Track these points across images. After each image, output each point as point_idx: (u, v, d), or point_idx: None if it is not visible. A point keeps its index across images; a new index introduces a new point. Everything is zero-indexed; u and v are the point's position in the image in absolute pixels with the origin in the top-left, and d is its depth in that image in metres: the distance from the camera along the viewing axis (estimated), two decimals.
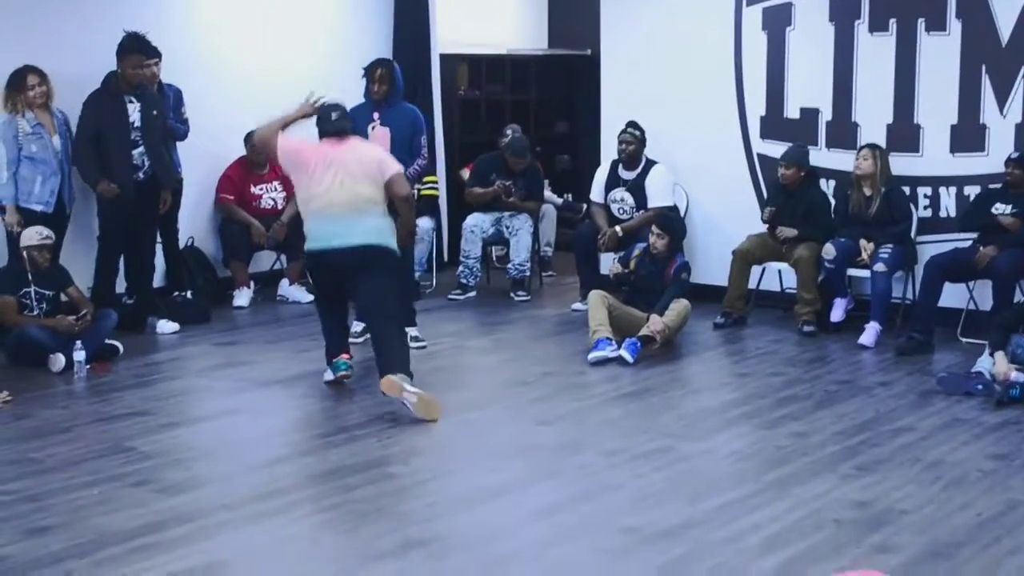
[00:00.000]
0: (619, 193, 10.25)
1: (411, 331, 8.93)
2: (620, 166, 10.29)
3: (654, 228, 9.10)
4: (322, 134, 7.88)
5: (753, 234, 9.75)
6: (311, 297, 10.69)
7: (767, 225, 9.59)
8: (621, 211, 10.24)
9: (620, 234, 10.00)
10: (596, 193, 10.42)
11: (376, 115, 8.80)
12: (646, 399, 7.66)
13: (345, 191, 7.58)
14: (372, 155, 7.83)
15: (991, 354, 7.57)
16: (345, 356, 7.94)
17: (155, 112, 9.38)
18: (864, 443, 6.60)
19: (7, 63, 9.02)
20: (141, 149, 9.29)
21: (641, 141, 10.18)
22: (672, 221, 9.34)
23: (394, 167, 7.79)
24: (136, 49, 9.17)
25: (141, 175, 9.32)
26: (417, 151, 8.88)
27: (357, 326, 8.95)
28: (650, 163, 10.20)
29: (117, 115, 9.17)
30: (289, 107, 7.97)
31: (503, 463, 6.39)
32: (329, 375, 7.91)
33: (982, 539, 5.23)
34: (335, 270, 7.66)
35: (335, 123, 7.83)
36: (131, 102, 9.25)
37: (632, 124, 10.21)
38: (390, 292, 7.65)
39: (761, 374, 8.21)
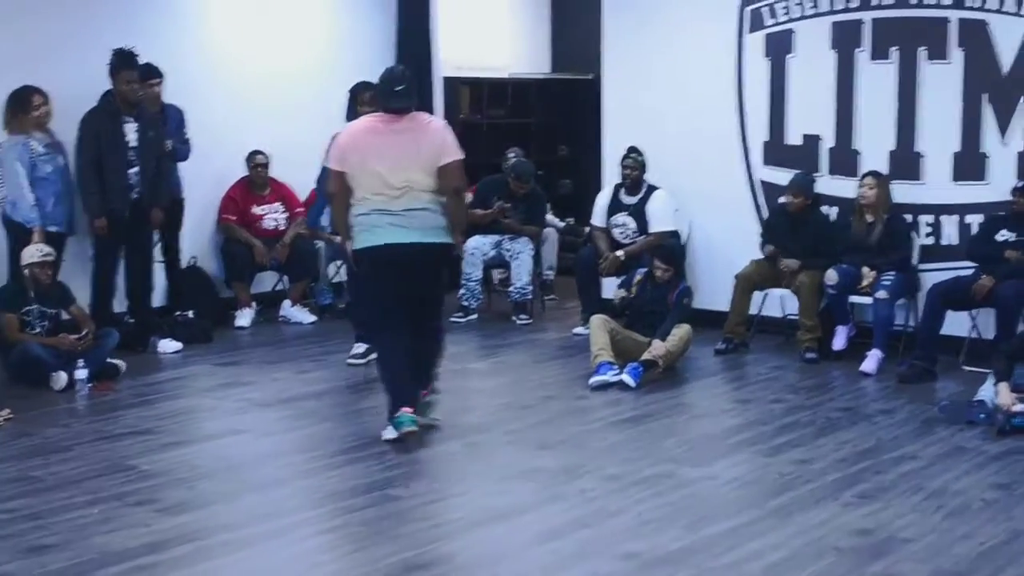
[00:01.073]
0: (621, 218, 10.26)
1: (357, 348, 8.95)
2: (622, 191, 10.31)
3: (657, 261, 9.09)
4: (384, 110, 7.18)
5: (755, 259, 9.76)
6: (313, 318, 10.80)
7: (771, 249, 9.58)
8: (623, 235, 10.25)
9: (622, 259, 10.00)
10: (598, 217, 10.43)
11: None
12: (647, 424, 7.65)
13: (401, 177, 6.98)
14: (434, 137, 7.12)
15: (995, 384, 7.56)
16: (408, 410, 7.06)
17: (151, 133, 9.39)
18: (866, 471, 6.59)
19: (8, 83, 9.03)
20: (136, 169, 9.30)
21: (643, 166, 10.21)
22: (674, 252, 9.33)
23: (453, 153, 7.13)
24: (125, 65, 9.18)
25: (135, 195, 9.32)
26: None
27: (359, 347, 8.95)
28: (652, 188, 10.22)
29: (114, 135, 9.19)
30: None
31: (504, 487, 6.38)
32: (388, 432, 7.13)
33: (984, 568, 5.22)
34: (398, 268, 7.05)
35: (398, 97, 7.10)
36: (128, 122, 9.26)
37: (634, 150, 10.23)
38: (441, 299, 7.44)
39: (763, 400, 8.21)
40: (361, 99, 8.86)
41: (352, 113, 8.81)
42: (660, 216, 10.13)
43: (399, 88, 7.09)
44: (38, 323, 8.59)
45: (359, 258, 7.13)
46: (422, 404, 7.21)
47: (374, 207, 6.99)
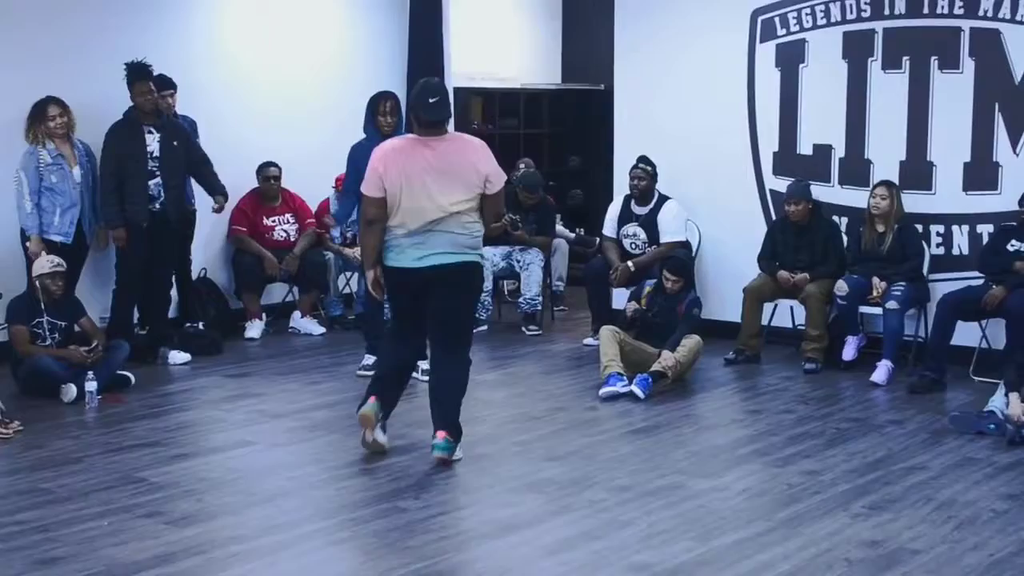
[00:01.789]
0: (631, 228, 10.25)
1: (422, 364, 8.92)
2: (632, 201, 10.30)
3: (666, 273, 9.07)
4: (417, 123, 6.85)
5: (763, 272, 9.75)
6: (323, 329, 10.80)
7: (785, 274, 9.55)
8: (633, 246, 10.24)
9: (632, 269, 9.99)
10: (608, 228, 10.43)
11: None
12: (657, 435, 7.64)
13: (443, 200, 6.72)
14: (479, 160, 6.86)
15: (1006, 394, 7.54)
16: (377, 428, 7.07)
17: (175, 143, 9.43)
18: (876, 482, 6.58)
19: (31, 95, 9.11)
20: (158, 180, 9.33)
21: (653, 176, 10.20)
22: (684, 264, 9.30)
23: (500, 179, 6.96)
24: (139, 77, 9.24)
25: (157, 205, 9.35)
26: None
27: (369, 359, 8.95)
28: (663, 198, 10.21)
29: (136, 144, 9.24)
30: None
31: (513, 498, 6.38)
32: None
33: None
34: (417, 289, 6.91)
35: (432, 109, 6.78)
36: (150, 132, 9.30)
37: (643, 159, 10.22)
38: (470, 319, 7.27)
39: (773, 411, 8.19)
40: (381, 108, 8.76)
41: (370, 123, 8.78)
42: (671, 227, 10.12)
43: (433, 100, 6.76)
44: (49, 335, 8.61)
45: (389, 273, 6.90)
46: (438, 445, 6.93)
47: (410, 229, 6.74)
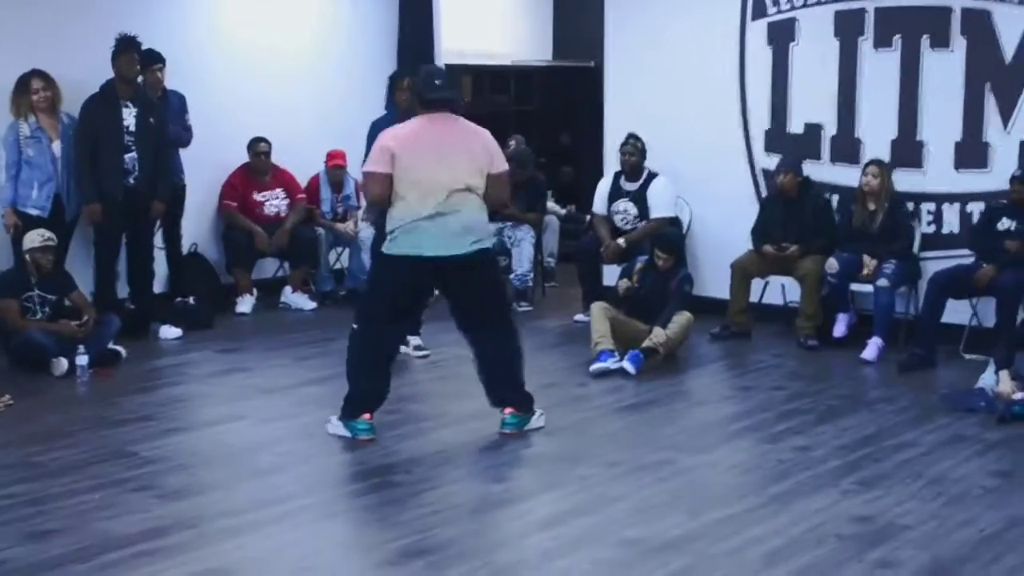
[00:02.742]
0: (622, 204, 10.24)
1: (413, 340, 8.95)
2: (622, 177, 10.29)
3: (657, 251, 9.08)
4: (424, 105, 6.86)
5: (751, 248, 9.76)
6: (314, 305, 10.82)
7: (772, 247, 9.55)
8: (624, 222, 10.23)
9: (623, 246, 9.99)
10: (598, 205, 10.42)
11: None
12: (648, 411, 7.66)
13: (453, 179, 6.71)
14: (485, 142, 6.91)
15: (996, 372, 7.57)
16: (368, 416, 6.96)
17: (151, 119, 9.38)
18: (866, 458, 6.59)
19: (17, 68, 9.08)
20: (134, 154, 9.29)
21: (642, 152, 10.19)
22: (674, 241, 9.31)
23: (503, 163, 6.99)
24: (127, 48, 9.22)
25: (131, 180, 9.31)
26: None
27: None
28: (652, 174, 10.20)
29: (111, 119, 9.21)
30: None
31: (505, 473, 6.40)
32: (339, 430, 7.00)
33: (984, 556, 5.23)
34: (430, 279, 6.95)
35: (439, 90, 6.85)
36: (127, 107, 9.26)
37: (633, 135, 10.22)
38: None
39: (763, 388, 8.21)
40: (399, 85, 8.77)
41: (391, 100, 8.84)
42: (660, 202, 10.11)
43: (439, 83, 6.85)
44: (39, 309, 8.60)
45: (397, 261, 6.76)
46: (509, 421, 7.05)
47: (422, 212, 6.65)
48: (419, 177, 6.66)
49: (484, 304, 7.01)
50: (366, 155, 7.54)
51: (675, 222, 10.19)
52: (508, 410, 7.06)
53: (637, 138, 10.20)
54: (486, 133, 6.97)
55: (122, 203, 9.28)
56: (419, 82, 6.93)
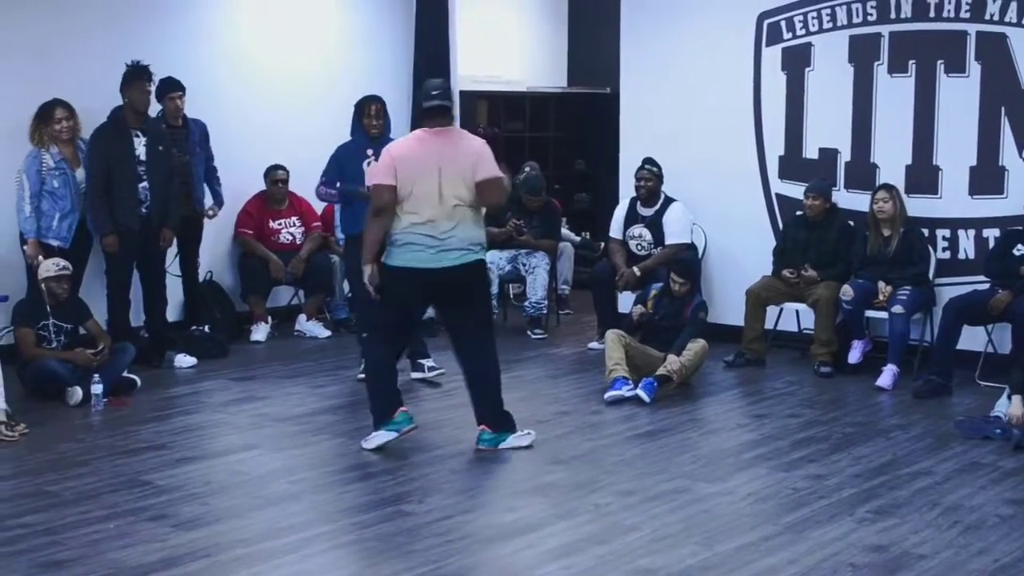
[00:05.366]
0: (638, 229, 10.24)
1: (427, 362, 8.97)
2: (638, 203, 10.29)
3: (673, 275, 9.07)
4: (423, 116, 7.24)
5: (766, 275, 9.75)
6: (328, 332, 10.81)
7: (789, 272, 9.54)
8: (639, 247, 10.22)
9: (637, 274, 9.98)
10: (615, 230, 10.42)
11: (370, 151, 8.70)
12: (662, 439, 7.63)
13: (449, 190, 6.97)
14: (471, 149, 7.11)
15: (1009, 396, 7.54)
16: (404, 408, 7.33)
17: (160, 147, 9.40)
18: (881, 486, 6.57)
19: (36, 97, 9.12)
20: (145, 183, 9.29)
21: (659, 177, 10.19)
22: (690, 266, 9.31)
23: (491, 168, 7.11)
24: (138, 76, 9.23)
25: (144, 210, 9.31)
26: None
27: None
28: (668, 200, 10.21)
29: (123, 149, 9.20)
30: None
31: (518, 502, 6.38)
32: (380, 437, 7.27)
33: None
34: (424, 291, 7.16)
35: (434, 98, 7.12)
36: (137, 136, 9.28)
37: (649, 160, 10.22)
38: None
39: (778, 415, 8.19)
40: (367, 111, 8.88)
41: (357, 126, 8.91)
42: (676, 229, 10.11)
43: (435, 92, 7.13)
44: (54, 338, 8.62)
45: (395, 273, 7.05)
46: (484, 438, 7.28)
47: (419, 227, 6.96)
48: (414, 189, 6.95)
49: (471, 315, 7.26)
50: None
51: (691, 248, 10.18)
52: (481, 427, 7.27)
53: (653, 163, 10.19)
54: (478, 142, 7.20)
55: (137, 233, 9.29)
56: (421, 96, 7.25)
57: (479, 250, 7.14)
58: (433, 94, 7.12)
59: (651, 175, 10.18)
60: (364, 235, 7.24)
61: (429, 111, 7.14)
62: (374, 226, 7.11)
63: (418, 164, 6.96)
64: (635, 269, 10.01)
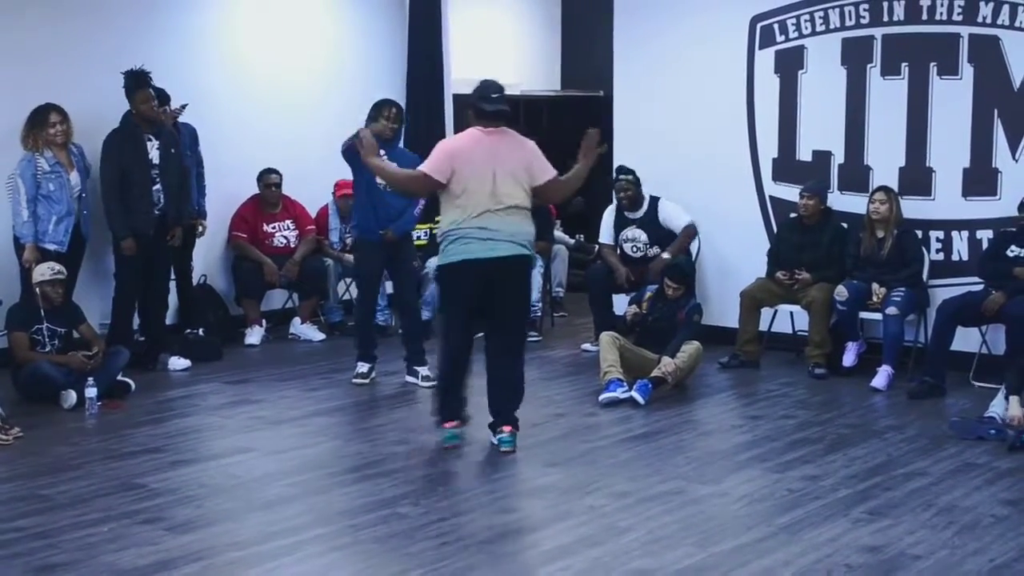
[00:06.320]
0: (631, 232, 10.23)
1: (422, 370, 8.96)
2: (624, 209, 10.28)
3: (668, 280, 9.08)
4: (480, 116, 7.28)
5: (760, 277, 9.75)
6: (323, 336, 10.81)
7: (783, 274, 9.54)
8: (635, 249, 10.22)
9: (666, 257, 9.91)
10: (605, 236, 10.42)
11: (383, 152, 8.73)
12: (657, 441, 7.63)
13: (506, 187, 7.12)
14: (532, 152, 7.30)
15: (1006, 397, 7.54)
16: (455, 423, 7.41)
17: (172, 150, 9.43)
18: (876, 487, 6.58)
19: (28, 102, 9.10)
20: (158, 187, 9.32)
21: (637, 183, 10.19)
22: (685, 270, 9.28)
23: (550, 170, 7.34)
24: (139, 85, 9.24)
25: (156, 211, 9.35)
26: None
27: (362, 367, 9.07)
28: (654, 199, 10.20)
29: (138, 154, 9.23)
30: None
31: (514, 504, 6.38)
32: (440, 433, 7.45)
33: None
34: (479, 282, 7.18)
35: (495, 102, 7.25)
36: (150, 140, 9.29)
37: (622, 169, 10.24)
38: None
39: (773, 417, 8.19)
40: (385, 113, 8.88)
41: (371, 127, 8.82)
42: (675, 216, 10.15)
43: (495, 95, 7.26)
44: (48, 341, 8.60)
45: (451, 270, 7.18)
46: (507, 440, 7.31)
47: (472, 221, 7.08)
48: (470, 185, 7.08)
49: (512, 310, 7.33)
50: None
51: (690, 236, 10.20)
52: (507, 428, 7.29)
53: (628, 171, 10.19)
54: (530, 143, 7.35)
55: (150, 237, 9.31)
56: (476, 95, 7.29)
57: (529, 246, 7.24)
58: (494, 97, 7.23)
59: (628, 183, 10.18)
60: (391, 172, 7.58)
61: (489, 113, 7.22)
62: (400, 175, 7.52)
63: (473, 161, 7.10)
64: (664, 255, 9.94)
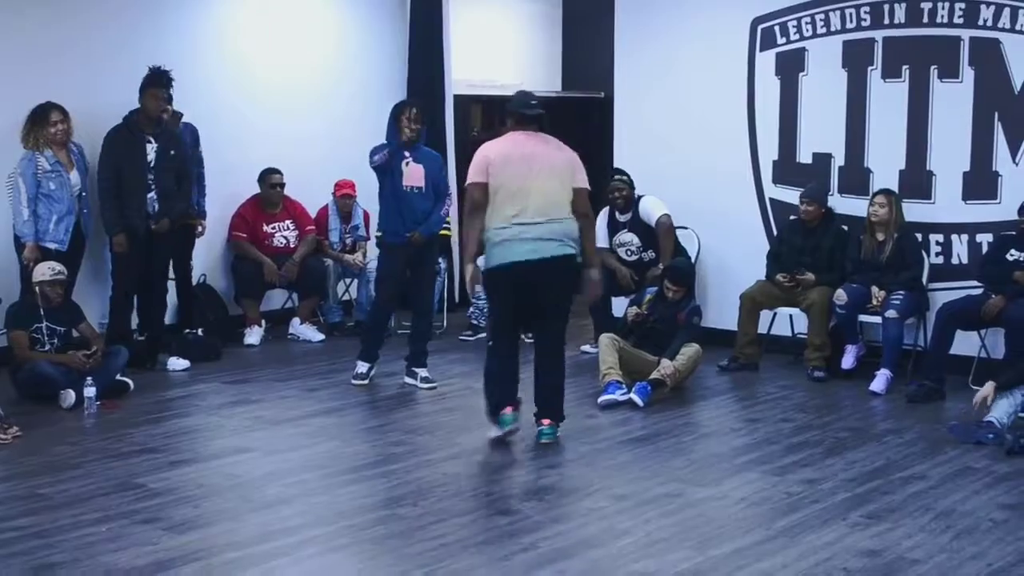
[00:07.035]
0: (623, 236, 10.22)
1: (421, 372, 8.96)
2: (616, 212, 10.26)
3: (667, 282, 9.07)
4: (518, 121, 7.55)
5: (760, 279, 9.75)
6: (322, 336, 10.81)
7: (783, 277, 9.54)
8: (629, 252, 10.21)
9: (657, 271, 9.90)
10: (600, 239, 10.37)
11: (407, 153, 8.77)
12: (656, 443, 7.63)
13: (548, 187, 7.34)
14: (570, 157, 7.54)
15: (996, 390, 7.53)
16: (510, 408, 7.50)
17: (172, 152, 9.42)
18: (875, 491, 6.57)
19: (28, 100, 9.11)
20: (153, 187, 9.30)
21: (631, 185, 10.17)
22: (685, 273, 9.27)
23: (585, 179, 7.51)
24: (156, 83, 9.25)
25: (150, 211, 9.33)
26: (445, 191, 8.99)
27: (362, 366, 9.05)
28: (638, 198, 10.16)
29: (135, 154, 9.23)
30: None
31: (512, 506, 6.37)
32: (496, 431, 7.53)
33: None
34: (529, 284, 7.34)
35: (534, 107, 7.57)
36: (149, 141, 9.29)
37: (617, 171, 10.23)
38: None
39: (771, 420, 8.19)
40: (407, 114, 8.84)
41: (393, 129, 8.83)
42: (652, 210, 10.04)
43: (534, 102, 7.55)
44: (48, 341, 8.60)
45: (495, 274, 7.35)
46: (548, 432, 7.49)
47: (513, 220, 7.24)
48: (510, 185, 7.28)
49: (557, 307, 7.50)
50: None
51: (682, 252, 10.15)
52: (546, 421, 7.46)
53: (622, 173, 10.19)
54: (571, 151, 7.57)
55: (144, 236, 9.30)
56: (516, 101, 7.58)
57: (574, 245, 7.34)
58: (532, 103, 7.51)
59: (623, 184, 10.16)
60: (462, 235, 7.64)
61: (529, 117, 7.48)
62: (470, 224, 7.40)
63: (512, 162, 7.29)
64: (660, 266, 9.88)
